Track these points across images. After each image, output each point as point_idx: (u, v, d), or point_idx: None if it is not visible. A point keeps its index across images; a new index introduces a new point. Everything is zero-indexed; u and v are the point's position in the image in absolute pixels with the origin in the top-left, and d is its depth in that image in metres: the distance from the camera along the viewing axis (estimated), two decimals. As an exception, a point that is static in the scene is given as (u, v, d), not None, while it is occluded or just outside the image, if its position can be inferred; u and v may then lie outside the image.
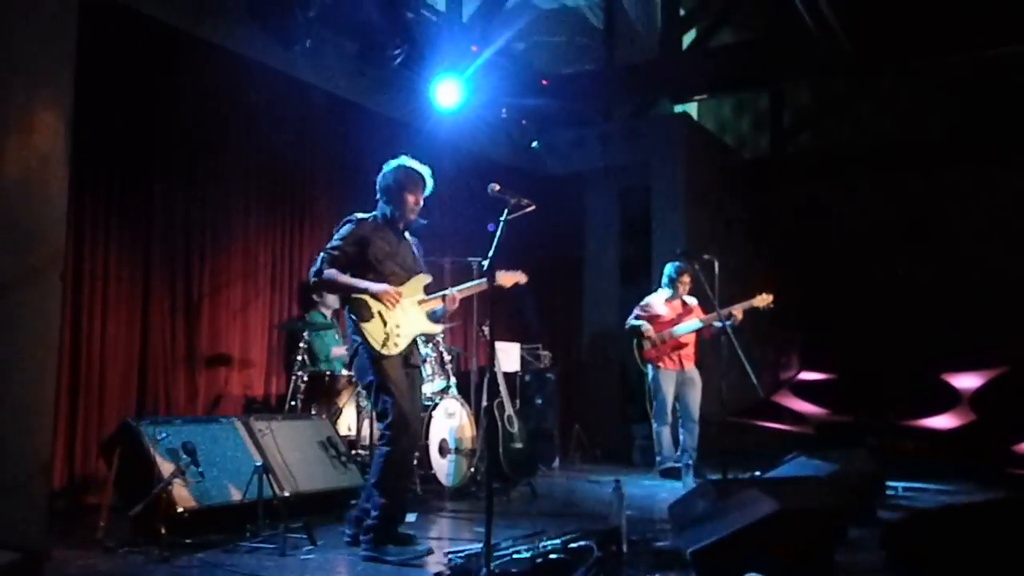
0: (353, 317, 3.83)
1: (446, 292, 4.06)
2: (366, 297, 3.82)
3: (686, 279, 6.78)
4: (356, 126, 6.70)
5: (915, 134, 9.84)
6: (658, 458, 6.78)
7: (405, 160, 4.05)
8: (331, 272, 3.84)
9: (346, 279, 3.85)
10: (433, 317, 4.07)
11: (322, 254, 3.88)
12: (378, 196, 4.04)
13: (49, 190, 3.75)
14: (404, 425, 3.79)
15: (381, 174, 4.04)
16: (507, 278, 4.12)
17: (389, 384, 3.78)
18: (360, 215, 4.01)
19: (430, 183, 4.03)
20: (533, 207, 3.71)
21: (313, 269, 3.88)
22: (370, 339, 3.77)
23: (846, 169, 10.02)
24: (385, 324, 3.80)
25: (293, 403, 5.43)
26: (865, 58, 6.57)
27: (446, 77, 6.70)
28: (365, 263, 3.89)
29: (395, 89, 6.86)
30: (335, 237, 3.94)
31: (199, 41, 5.50)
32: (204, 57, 5.53)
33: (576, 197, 9.05)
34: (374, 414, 5.06)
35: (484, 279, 4.04)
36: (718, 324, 6.00)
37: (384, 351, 3.78)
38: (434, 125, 7.00)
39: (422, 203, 4.05)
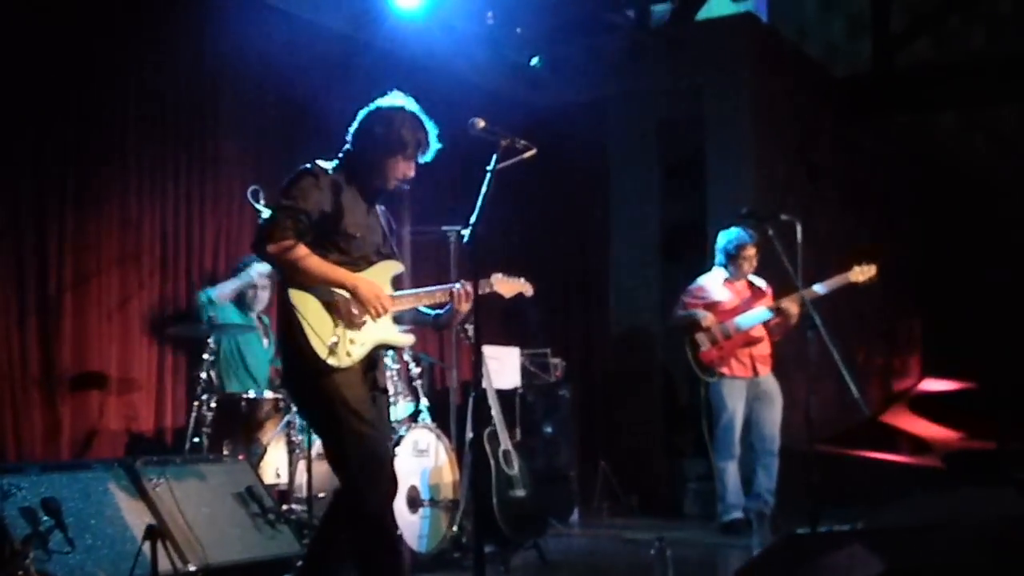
0: (296, 310, 3.66)
1: (452, 286, 3.94)
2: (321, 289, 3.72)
3: (750, 253, 6.76)
4: (278, 40, 6.67)
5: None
6: (720, 506, 6.83)
7: (407, 103, 3.91)
8: (297, 247, 3.63)
9: (317, 265, 3.67)
10: (422, 320, 4.03)
11: (274, 214, 3.69)
12: (351, 143, 3.91)
13: None
14: (377, 470, 3.68)
15: (368, 115, 3.89)
16: (506, 285, 4.08)
17: (344, 411, 3.65)
18: (323, 164, 3.85)
19: (433, 146, 3.91)
20: (533, 151, 3.71)
21: (263, 234, 3.68)
22: (313, 344, 3.63)
23: (982, 90, 10.01)
24: (336, 325, 3.71)
25: (196, 439, 5.44)
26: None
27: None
28: (327, 237, 3.75)
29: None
30: (291, 190, 3.73)
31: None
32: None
33: (595, 135, 9.04)
34: (311, 456, 5.11)
35: (456, 285, 3.94)
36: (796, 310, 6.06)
37: (332, 361, 3.66)
38: (388, 36, 6.98)
39: (412, 174, 3.94)
